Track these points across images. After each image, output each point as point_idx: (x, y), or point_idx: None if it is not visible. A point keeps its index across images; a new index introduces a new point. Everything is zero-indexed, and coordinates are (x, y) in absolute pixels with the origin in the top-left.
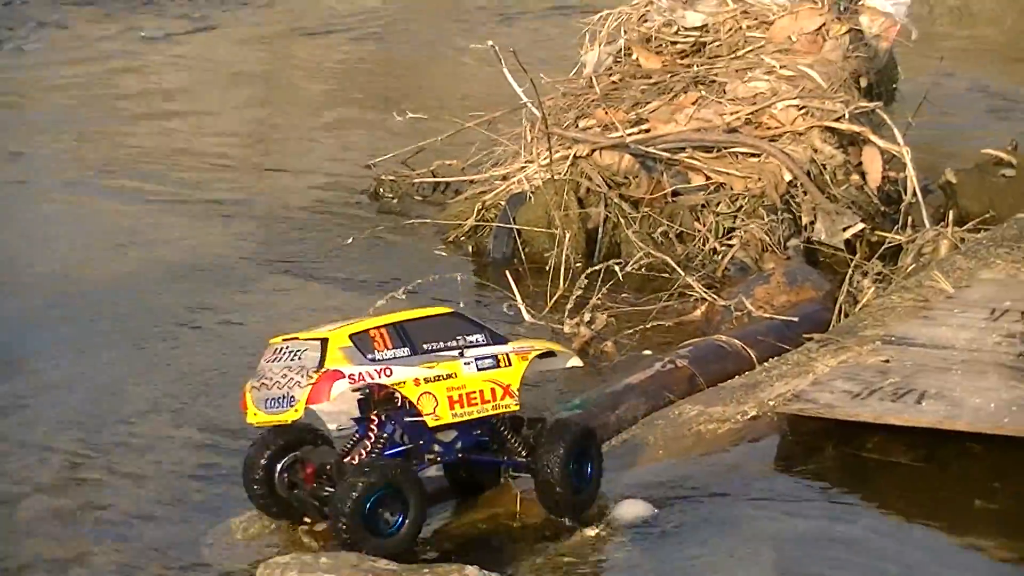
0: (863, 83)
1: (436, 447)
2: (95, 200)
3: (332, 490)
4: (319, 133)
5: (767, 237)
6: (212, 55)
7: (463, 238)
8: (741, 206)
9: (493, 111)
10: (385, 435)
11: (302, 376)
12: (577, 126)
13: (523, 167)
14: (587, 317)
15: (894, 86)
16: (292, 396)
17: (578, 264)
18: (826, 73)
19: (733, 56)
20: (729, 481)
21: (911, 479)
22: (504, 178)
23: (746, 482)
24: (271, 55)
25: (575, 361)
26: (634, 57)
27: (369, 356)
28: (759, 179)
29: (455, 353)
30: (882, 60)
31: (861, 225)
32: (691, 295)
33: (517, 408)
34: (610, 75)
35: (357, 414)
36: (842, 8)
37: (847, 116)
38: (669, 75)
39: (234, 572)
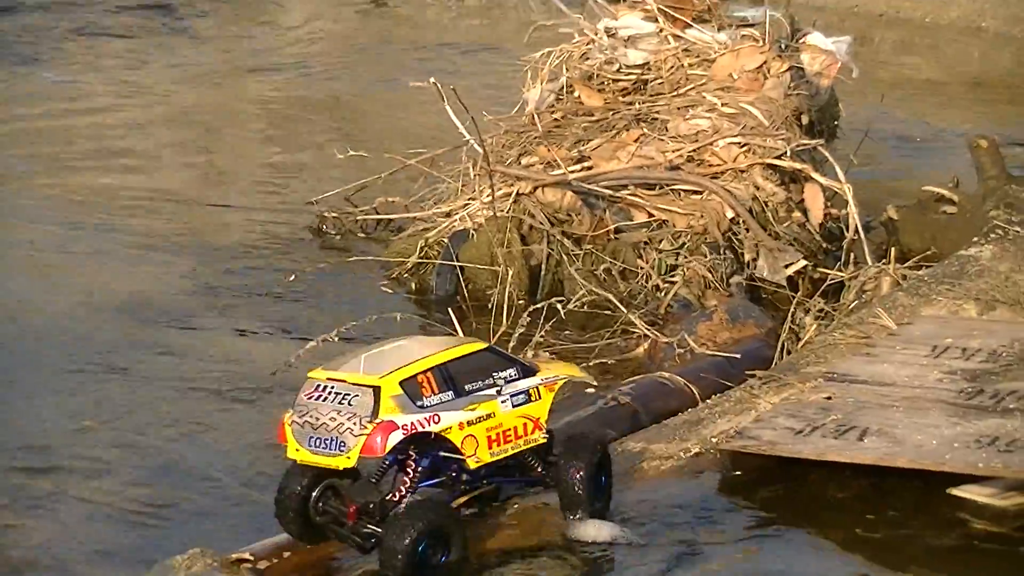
0: (804, 120)
1: (465, 476)
2: (30, 236)
3: (376, 528)
4: (262, 169)
5: (710, 274)
6: (150, 92)
7: (406, 275)
8: (684, 243)
9: (437, 148)
10: (421, 469)
11: (355, 424)
12: (520, 163)
13: (466, 204)
14: (530, 355)
15: (835, 123)
16: (343, 442)
17: (521, 301)
18: (768, 111)
19: (675, 94)
20: (673, 517)
21: (852, 514)
22: (447, 215)
23: (690, 518)
24: (213, 92)
25: (590, 384)
26: (576, 95)
27: (418, 403)
28: (701, 216)
29: (493, 392)
30: (823, 97)
31: (803, 262)
32: (633, 332)
33: (544, 440)
34: (552, 112)
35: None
36: (783, 46)
37: (789, 153)
38: (611, 112)
39: None
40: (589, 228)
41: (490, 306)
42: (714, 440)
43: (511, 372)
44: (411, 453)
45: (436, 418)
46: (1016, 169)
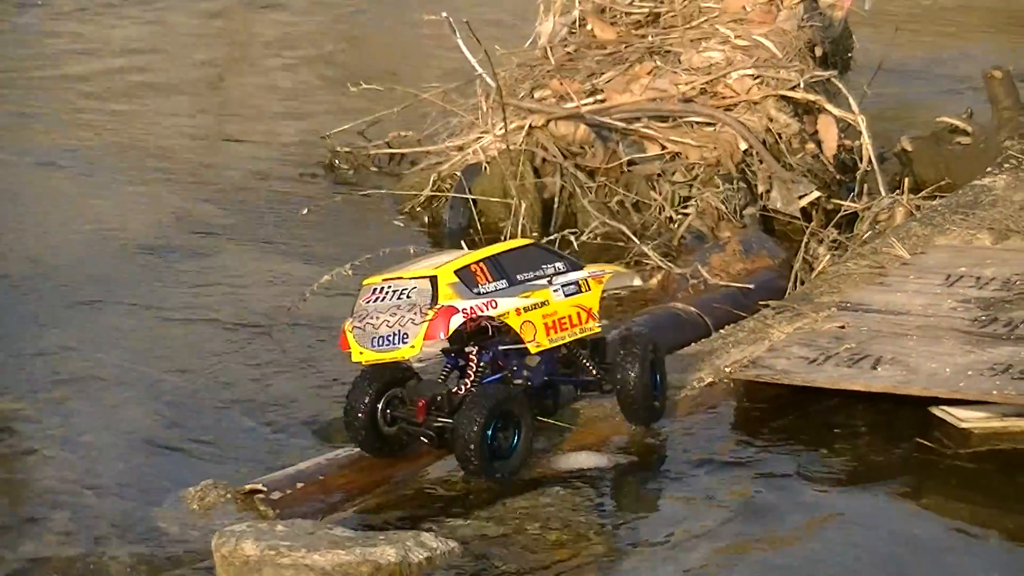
0: (818, 52)
1: (525, 372)
2: (48, 174)
3: (446, 421)
4: (276, 104)
5: (723, 206)
6: (166, 30)
7: (419, 209)
8: (697, 175)
9: (450, 83)
10: (483, 364)
11: (415, 313)
12: (532, 97)
13: (479, 138)
14: None
15: (849, 55)
16: (406, 334)
17: (534, 234)
18: (781, 43)
19: (688, 26)
20: (685, 446)
21: (868, 445)
22: (460, 149)
23: (703, 448)
24: (227, 28)
25: (637, 280)
26: (589, 28)
27: (475, 290)
28: (715, 148)
29: (544, 281)
30: (836, 29)
31: (817, 193)
32: (647, 264)
33: (599, 330)
34: (565, 46)
35: (445, 346)
36: None
37: (802, 85)
38: (624, 46)
39: (190, 542)
40: (602, 161)
41: (503, 239)
42: (727, 370)
43: (559, 265)
44: (472, 349)
45: (493, 303)
46: None
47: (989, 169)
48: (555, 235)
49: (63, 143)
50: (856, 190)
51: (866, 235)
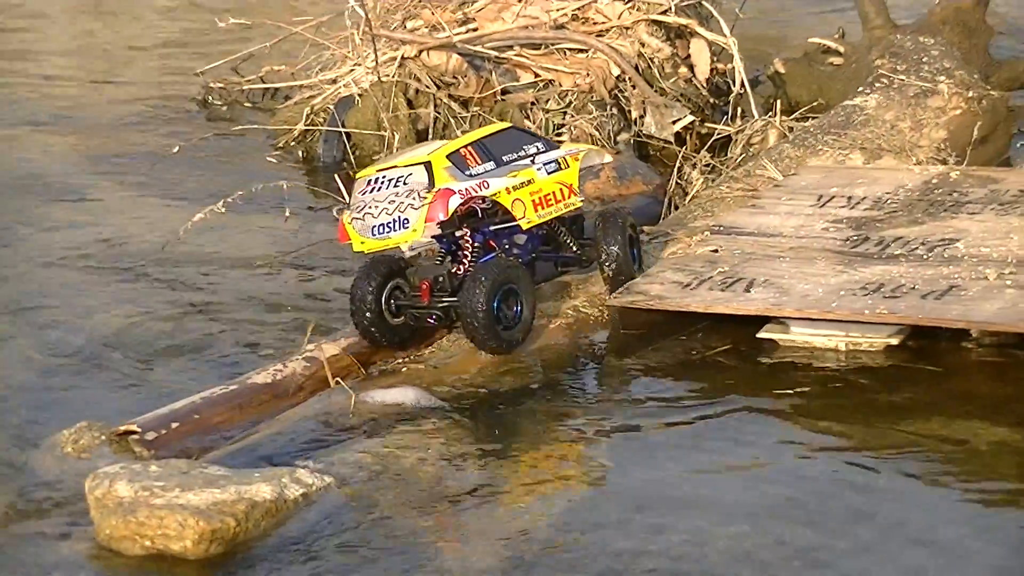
0: None
1: (515, 250)
2: None
3: (451, 300)
4: (147, 42)
5: (597, 132)
6: None
7: (293, 143)
8: (570, 102)
9: (322, 15)
10: (476, 244)
11: (414, 199)
12: (404, 27)
13: (351, 70)
14: None
15: None
16: (407, 219)
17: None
18: None
19: None
20: (561, 373)
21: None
22: (333, 82)
23: (578, 374)
24: None
25: (608, 158)
26: None
27: (467, 172)
28: (587, 74)
29: (528, 161)
30: None
31: (690, 118)
32: None
33: (581, 204)
34: None
35: (436, 232)
36: None
37: (673, 9)
38: None
39: (64, 484)
40: (475, 90)
41: None
42: (603, 297)
43: (539, 145)
44: (464, 231)
45: (485, 184)
46: (901, 17)
47: (860, 89)
48: None
49: None
50: (729, 113)
51: (739, 158)
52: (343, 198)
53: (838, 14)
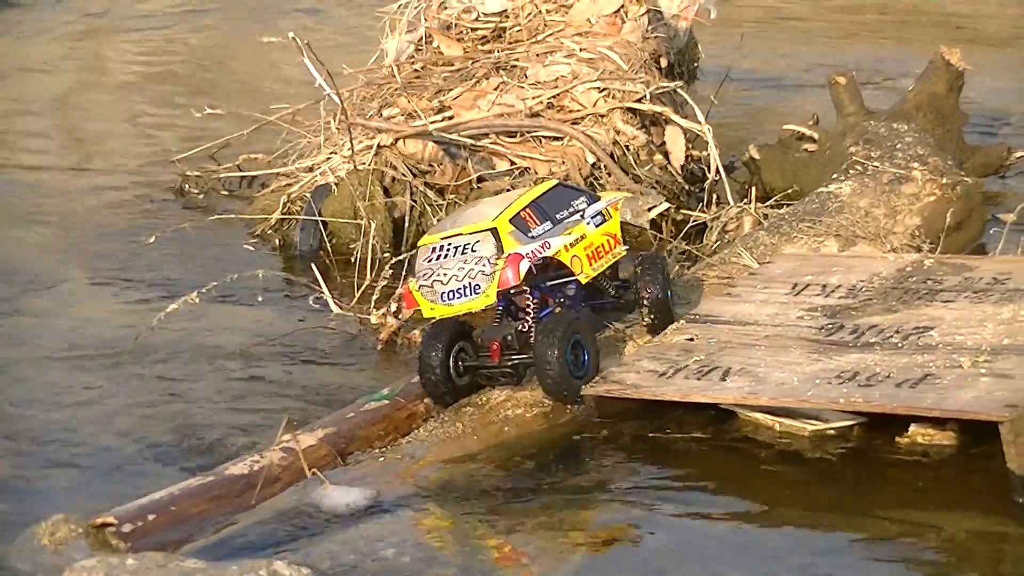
0: (663, 63)
1: (568, 302)
2: None
3: (522, 357)
4: (123, 130)
5: None
6: (5, 55)
7: (270, 232)
8: None
9: (298, 103)
10: (536, 301)
11: (484, 265)
12: (381, 115)
13: (328, 158)
14: (393, 307)
15: (695, 64)
16: (478, 285)
17: (386, 254)
18: (626, 54)
19: (533, 40)
20: (539, 464)
21: (712, 457)
22: (309, 170)
23: (556, 465)
24: (72, 54)
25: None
26: (435, 45)
27: (529, 235)
28: (563, 162)
29: (578, 216)
30: (682, 39)
31: (666, 205)
32: None
33: (626, 252)
34: (412, 63)
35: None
36: None
37: (648, 96)
38: (471, 62)
39: None
40: (451, 178)
41: (354, 259)
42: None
43: (583, 200)
44: (524, 288)
45: (547, 245)
46: (875, 104)
47: (835, 175)
48: (405, 254)
49: None
50: (705, 200)
51: (715, 245)
52: (319, 287)
53: (812, 101)
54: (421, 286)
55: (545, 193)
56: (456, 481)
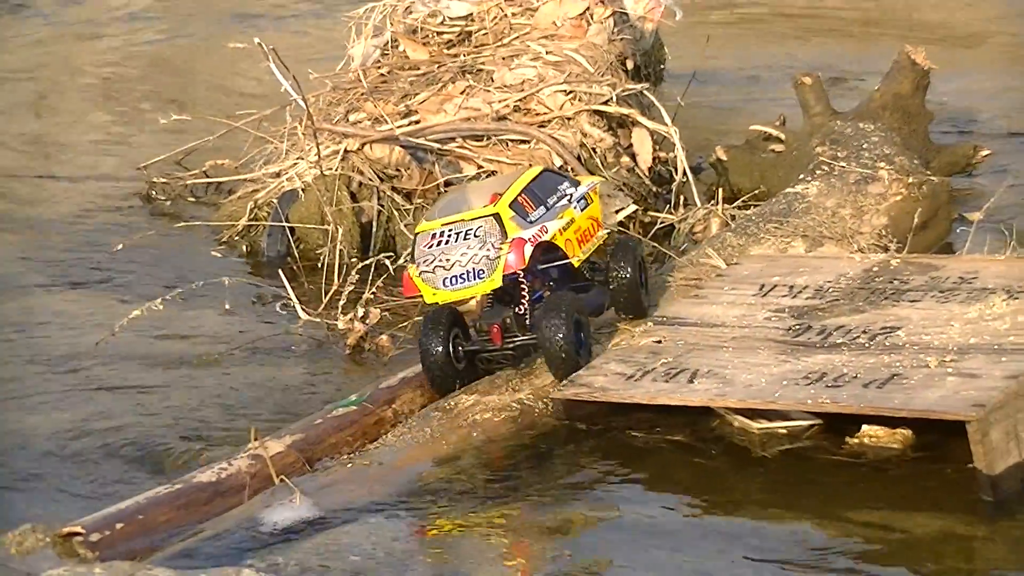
0: (630, 65)
1: (553, 285)
2: None
3: (524, 338)
4: (91, 137)
5: None
6: None
7: (237, 238)
8: None
9: (266, 108)
10: (528, 284)
11: (488, 250)
12: (347, 120)
13: (295, 164)
14: (361, 312)
15: (661, 66)
16: (482, 270)
17: (354, 259)
18: (592, 57)
19: (499, 44)
20: (507, 468)
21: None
22: (276, 175)
23: (525, 469)
24: (39, 61)
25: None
26: (401, 49)
27: (528, 219)
28: (530, 165)
29: (567, 201)
30: (648, 41)
31: (633, 207)
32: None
33: (607, 234)
34: (378, 68)
35: None
36: None
37: (615, 99)
38: (437, 66)
39: None
40: (418, 182)
41: (321, 265)
42: (547, 389)
43: (568, 184)
44: (518, 273)
45: (545, 229)
46: (841, 104)
47: (802, 176)
48: (373, 259)
49: None
50: (672, 202)
51: (682, 247)
52: (286, 292)
53: (779, 101)
54: (422, 272)
55: (535, 179)
56: (425, 486)
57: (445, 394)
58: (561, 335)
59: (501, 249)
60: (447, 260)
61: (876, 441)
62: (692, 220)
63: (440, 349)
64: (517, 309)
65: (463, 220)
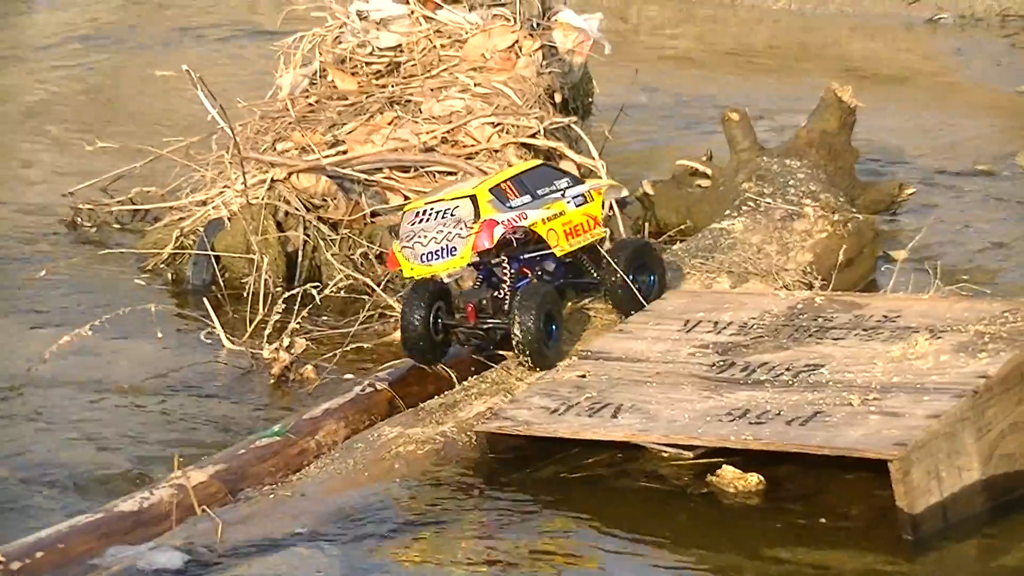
0: (558, 98)
1: (546, 276)
2: None
3: (495, 321)
4: (14, 163)
5: None
6: None
7: (162, 266)
8: None
9: (194, 136)
10: (512, 272)
11: (461, 229)
12: (275, 149)
13: (221, 192)
14: (286, 342)
15: (589, 100)
16: (454, 247)
17: (279, 288)
18: (520, 90)
19: (428, 75)
20: (430, 502)
21: (606, 493)
22: (203, 204)
23: (447, 502)
24: None
25: (624, 192)
26: (330, 79)
27: (507, 204)
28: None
29: (559, 195)
30: (576, 75)
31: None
32: (392, 316)
33: (604, 234)
34: (306, 97)
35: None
36: (535, 24)
37: (543, 132)
38: (365, 96)
39: None
40: (345, 213)
41: (246, 294)
42: (470, 422)
43: (567, 180)
44: (502, 258)
45: (524, 215)
46: (768, 141)
47: (728, 212)
48: (298, 289)
49: None
50: None
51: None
52: (211, 321)
53: (706, 136)
54: (403, 247)
55: (529, 170)
56: (346, 517)
57: (421, 363)
58: (530, 324)
59: (472, 228)
60: (424, 237)
61: (719, 482)
62: None
63: (419, 317)
64: (497, 293)
65: (443, 200)
